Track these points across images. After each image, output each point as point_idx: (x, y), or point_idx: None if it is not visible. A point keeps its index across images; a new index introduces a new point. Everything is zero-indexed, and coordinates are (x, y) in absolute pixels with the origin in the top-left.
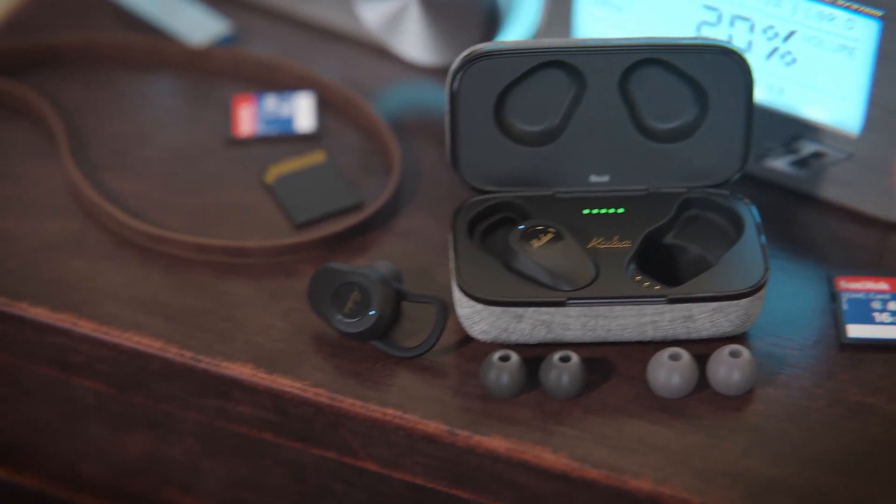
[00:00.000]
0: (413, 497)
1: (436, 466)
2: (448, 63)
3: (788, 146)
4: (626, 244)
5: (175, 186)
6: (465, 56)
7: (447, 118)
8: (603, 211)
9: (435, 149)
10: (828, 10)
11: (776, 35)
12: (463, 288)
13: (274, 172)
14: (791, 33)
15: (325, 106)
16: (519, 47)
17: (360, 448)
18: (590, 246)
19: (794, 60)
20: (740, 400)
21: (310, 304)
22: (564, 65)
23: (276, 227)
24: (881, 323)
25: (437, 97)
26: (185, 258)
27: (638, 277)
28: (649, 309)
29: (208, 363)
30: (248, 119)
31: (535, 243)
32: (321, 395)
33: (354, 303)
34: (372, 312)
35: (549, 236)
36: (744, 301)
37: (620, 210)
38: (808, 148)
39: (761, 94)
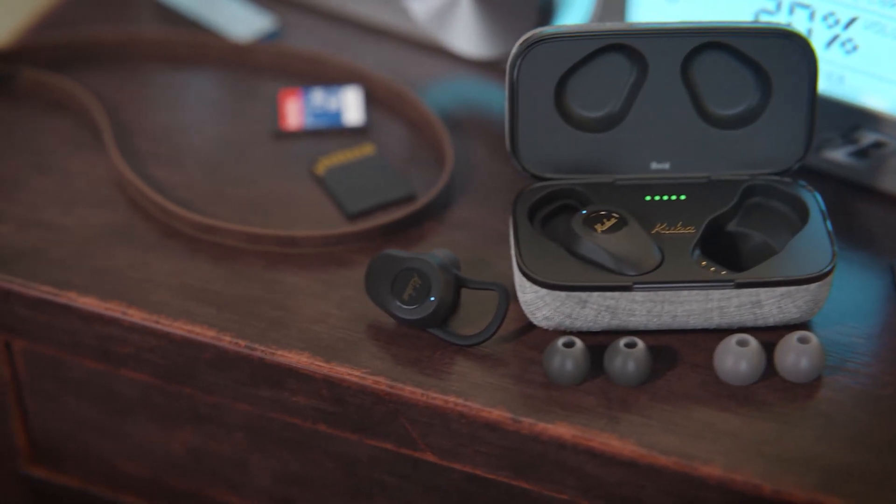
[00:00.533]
0: (471, 490)
1: (498, 456)
2: (501, 55)
3: (847, 136)
4: (690, 230)
5: (222, 178)
6: (526, 40)
7: (507, 105)
8: (665, 198)
9: (486, 142)
10: None
11: (837, 22)
12: (526, 272)
13: (324, 164)
14: (852, 20)
15: (373, 100)
16: (580, 30)
17: (418, 438)
18: (653, 231)
19: (855, 48)
20: (808, 387)
21: (367, 292)
22: (625, 49)
23: (327, 217)
24: None
25: (485, 92)
26: (234, 248)
27: (704, 263)
28: (716, 294)
29: (263, 351)
30: (295, 112)
31: (599, 228)
32: (380, 383)
33: (414, 289)
34: (432, 299)
35: (613, 221)
36: (812, 286)
37: (682, 197)
38: (868, 138)
39: (821, 84)
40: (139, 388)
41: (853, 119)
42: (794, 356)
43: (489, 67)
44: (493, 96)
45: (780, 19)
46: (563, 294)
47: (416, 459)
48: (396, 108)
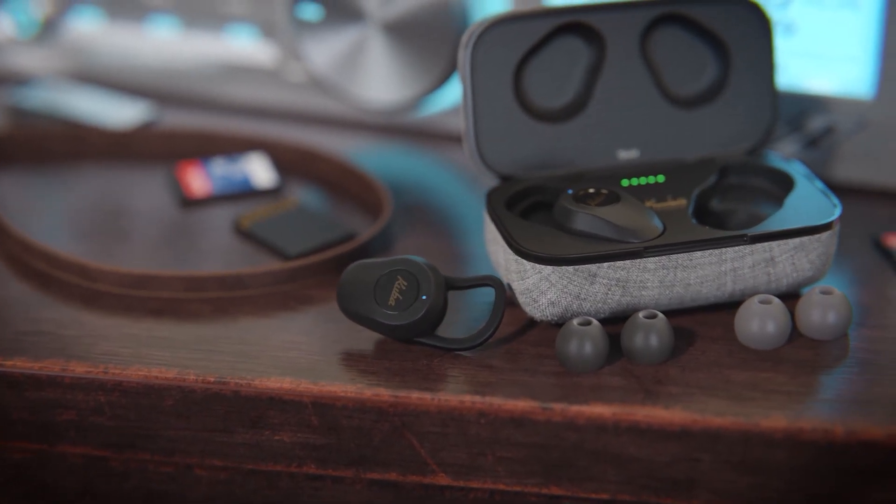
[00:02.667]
0: None
1: (524, 460)
2: (414, 99)
3: (796, 124)
4: (681, 202)
5: (137, 248)
6: (477, 26)
7: (464, 102)
8: (643, 180)
9: (407, 190)
10: None
11: (771, 2)
12: (526, 252)
13: (248, 219)
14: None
15: (278, 166)
16: (531, 11)
17: (429, 456)
18: (646, 205)
19: (793, 29)
20: (838, 343)
21: (341, 307)
22: (582, 29)
23: (266, 264)
24: None
25: (385, 151)
26: (174, 299)
27: (706, 228)
28: (730, 253)
29: (237, 383)
30: (199, 181)
31: (592, 202)
32: (382, 395)
33: (400, 293)
34: (424, 297)
35: (604, 195)
36: (824, 236)
37: (661, 178)
38: (817, 123)
39: None
40: (78, 473)
41: (800, 105)
42: (820, 310)
43: (378, 130)
44: (393, 155)
45: None
46: (570, 269)
47: (427, 487)
48: (307, 167)
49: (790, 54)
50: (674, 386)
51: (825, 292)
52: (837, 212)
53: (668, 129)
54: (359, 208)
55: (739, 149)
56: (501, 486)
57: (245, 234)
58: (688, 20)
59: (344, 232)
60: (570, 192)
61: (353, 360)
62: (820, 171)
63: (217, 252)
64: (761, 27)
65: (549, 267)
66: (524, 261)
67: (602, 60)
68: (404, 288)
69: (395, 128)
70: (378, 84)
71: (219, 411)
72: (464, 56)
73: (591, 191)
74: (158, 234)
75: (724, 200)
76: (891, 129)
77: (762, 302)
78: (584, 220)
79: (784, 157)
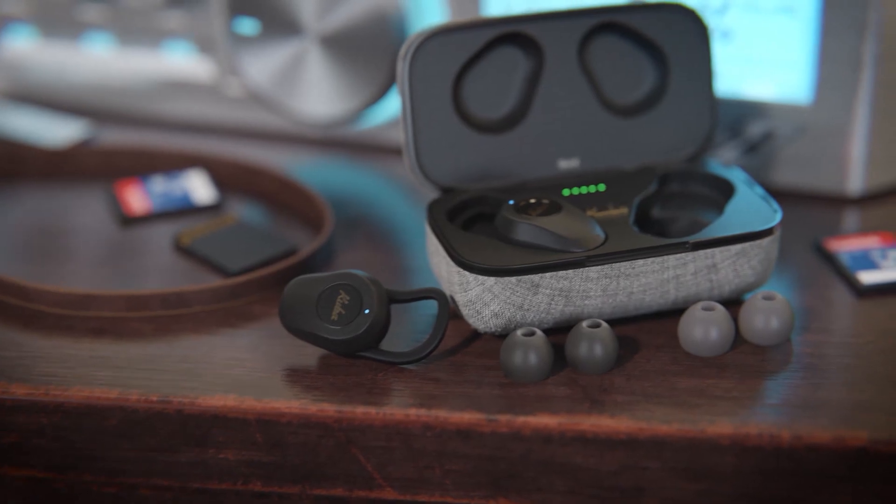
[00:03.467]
0: None
1: (471, 472)
2: (355, 111)
3: (735, 131)
4: (622, 210)
5: (74, 268)
6: (414, 38)
7: (403, 114)
8: (584, 190)
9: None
10: None
11: (708, 9)
12: (468, 264)
13: (188, 236)
14: (725, 5)
15: (217, 182)
16: (470, 22)
17: (375, 470)
18: (587, 214)
19: (730, 36)
20: (783, 349)
21: (283, 322)
22: (520, 39)
23: (208, 281)
24: (888, 269)
25: (325, 165)
26: (114, 318)
27: (648, 236)
28: (672, 261)
29: (181, 402)
30: (138, 198)
31: (534, 212)
32: (326, 411)
33: (343, 307)
34: (367, 311)
35: (546, 205)
36: (766, 241)
37: (602, 187)
38: (756, 129)
39: None
40: (22, 496)
41: (739, 111)
42: (763, 316)
43: (318, 143)
44: (334, 168)
45: None
46: (513, 280)
47: (374, 501)
48: (247, 182)
49: (728, 60)
50: (619, 395)
51: (767, 298)
52: (778, 217)
53: (608, 138)
54: (300, 222)
55: (679, 156)
56: (449, 499)
57: (186, 251)
58: (625, 29)
59: (285, 247)
60: (511, 202)
61: (297, 376)
62: (760, 177)
63: (158, 270)
64: (699, 34)
65: (491, 278)
66: (466, 272)
67: (541, 70)
68: (347, 302)
69: (336, 141)
70: (317, 97)
71: (163, 431)
72: (402, 68)
73: (533, 201)
74: (98, 253)
75: (666, 208)
76: (829, 134)
77: (705, 309)
78: (525, 230)
79: (724, 163)
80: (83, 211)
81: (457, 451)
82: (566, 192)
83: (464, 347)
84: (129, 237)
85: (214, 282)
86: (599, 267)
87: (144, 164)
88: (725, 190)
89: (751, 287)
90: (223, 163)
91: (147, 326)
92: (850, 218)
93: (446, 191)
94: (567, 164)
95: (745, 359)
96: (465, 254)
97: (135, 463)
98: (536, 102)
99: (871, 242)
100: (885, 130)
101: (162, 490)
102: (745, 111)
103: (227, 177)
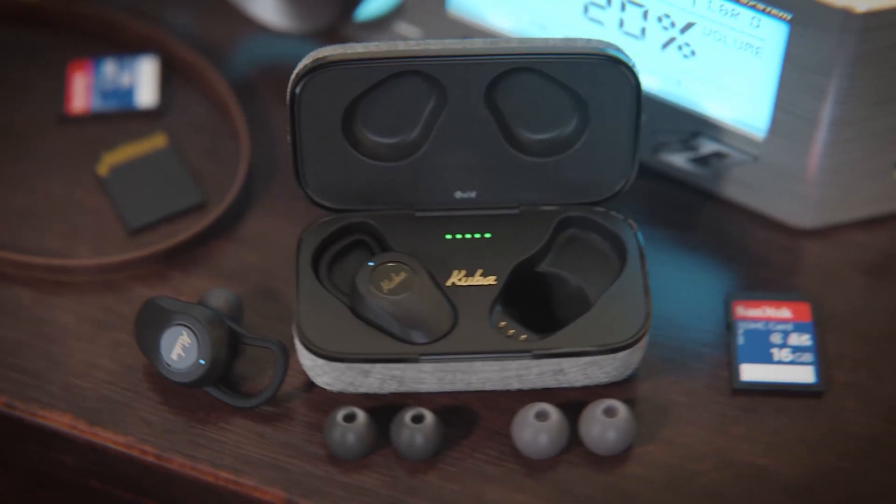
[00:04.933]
0: None
1: None
2: (306, 29)
3: (686, 143)
4: (491, 280)
5: (2, 179)
6: (308, 64)
7: (289, 129)
8: (468, 236)
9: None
10: (730, 5)
11: (672, 25)
12: (303, 341)
13: (107, 162)
14: (689, 24)
15: (172, 72)
16: (370, 55)
17: None
18: (449, 282)
19: (693, 53)
20: (616, 460)
21: (137, 343)
22: (423, 73)
23: (109, 231)
24: (779, 362)
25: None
26: (8, 264)
27: (503, 323)
28: (514, 364)
29: (23, 411)
30: (83, 91)
31: (386, 285)
32: (147, 454)
33: (183, 348)
34: (202, 362)
35: (402, 277)
36: (621, 354)
37: (487, 235)
38: (707, 147)
39: (657, 84)
40: None
41: (692, 125)
42: (600, 429)
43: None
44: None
45: (612, 15)
46: (342, 365)
47: None
48: (196, 82)
49: (688, 74)
50: (423, 498)
51: (608, 412)
52: (642, 329)
53: (511, 175)
54: (232, 150)
55: (587, 202)
56: None
57: (101, 182)
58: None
59: (195, 199)
60: (371, 264)
61: (139, 397)
62: (709, 187)
63: (69, 206)
64: (628, 88)
65: (322, 359)
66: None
67: (443, 104)
68: (187, 345)
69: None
70: (271, 9)
71: (9, 429)
72: (290, 91)
73: (391, 264)
74: (24, 166)
75: (556, 262)
76: (779, 172)
77: (538, 417)
78: (371, 309)
79: (674, 167)
80: (30, 88)
81: None
82: (448, 236)
83: (306, 392)
84: (62, 143)
85: (99, 258)
86: (434, 363)
87: (104, 37)
88: (621, 252)
89: (606, 383)
90: (178, 53)
91: (27, 293)
92: (789, 253)
93: (329, 210)
94: (464, 196)
95: (571, 472)
96: (305, 325)
97: None
98: (435, 133)
99: (781, 315)
100: (836, 182)
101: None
102: (699, 127)
103: (180, 68)
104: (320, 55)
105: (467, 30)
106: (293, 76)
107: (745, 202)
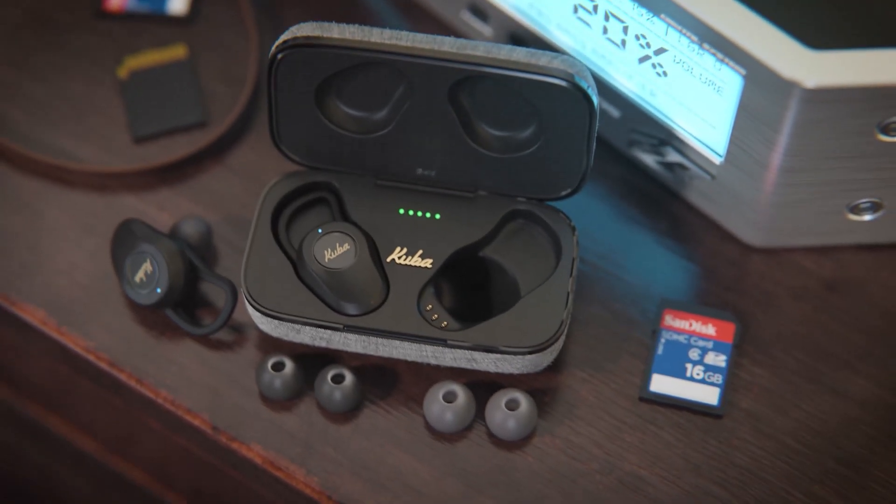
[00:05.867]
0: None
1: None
2: None
3: (655, 147)
4: (427, 263)
5: (26, 70)
6: (287, 40)
7: (267, 87)
8: (419, 214)
9: None
10: (695, 46)
11: (648, 45)
12: (245, 292)
13: (129, 66)
14: (662, 49)
15: None
16: (343, 42)
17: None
18: (389, 258)
19: (665, 73)
20: (513, 446)
21: (112, 259)
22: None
23: (118, 133)
24: (690, 378)
25: None
26: (15, 153)
27: (430, 307)
28: (429, 349)
29: (4, 298)
30: None
31: (328, 254)
32: (102, 359)
33: (145, 273)
34: (158, 291)
35: (345, 249)
36: (530, 356)
37: (437, 216)
38: (672, 156)
39: (634, 89)
40: None
41: (661, 133)
42: (501, 417)
43: None
44: None
45: (597, 21)
46: (275, 321)
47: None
48: None
49: (661, 89)
50: (334, 448)
51: (510, 405)
52: (556, 335)
53: (470, 165)
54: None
55: (539, 197)
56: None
57: (120, 85)
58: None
59: (197, 118)
60: (320, 231)
61: (106, 305)
62: (673, 188)
63: (85, 105)
64: (583, 111)
65: (257, 312)
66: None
67: (410, 94)
68: (149, 272)
69: None
70: None
71: None
72: (268, 65)
73: (337, 234)
74: (52, 58)
75: (498, 250)
76: (733, 194)
77: (446, 398)
78: (310, 276)
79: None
80: None
81: (182, 446)
82: (402, 210)
83: (252, 329)
84: (91, 40)
85: (99, 165)
86: (357, 335)
87: None
88: (557, 251)
89: (519, 371)
90: None
91: (32, 185)
92: (734, 267)
93: (298, 164)
94: (425, 172)
95: (471, 451)
96: (251, 279)
97: None
98: (401, 118)
99: (706, 331)
100: (786, 215)
101: None
102: (667, 136)
103: None
104: (299, 34)
105: None
106: (275, 44)
107: (703, 210)
